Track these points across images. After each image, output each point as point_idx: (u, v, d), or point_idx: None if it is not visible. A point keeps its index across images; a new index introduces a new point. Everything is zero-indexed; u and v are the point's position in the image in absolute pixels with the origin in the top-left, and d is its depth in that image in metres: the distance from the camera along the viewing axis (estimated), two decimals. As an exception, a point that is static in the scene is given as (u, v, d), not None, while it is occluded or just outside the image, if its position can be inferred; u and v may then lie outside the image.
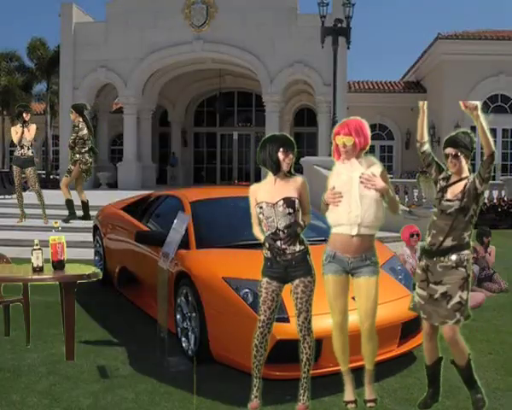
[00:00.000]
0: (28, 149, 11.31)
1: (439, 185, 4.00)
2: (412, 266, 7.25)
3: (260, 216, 4.01)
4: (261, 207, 3.99)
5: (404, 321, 4.80)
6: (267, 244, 3.99)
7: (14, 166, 11.50)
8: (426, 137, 4.06)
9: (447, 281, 3.87)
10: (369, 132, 4.03)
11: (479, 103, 3.74)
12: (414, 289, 4.11)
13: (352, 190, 3.92)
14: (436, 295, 3.89)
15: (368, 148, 4.03)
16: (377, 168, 3.99)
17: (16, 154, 11.39)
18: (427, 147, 4.05)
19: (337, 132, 3.99)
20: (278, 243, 3.96)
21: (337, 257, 4.00)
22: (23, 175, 11.71)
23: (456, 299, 3.85)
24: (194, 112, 30.41)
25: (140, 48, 22.65)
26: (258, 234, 4.08)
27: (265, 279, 4.01)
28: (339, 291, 4.03)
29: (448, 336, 3.93)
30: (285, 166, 4.00)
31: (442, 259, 3.88)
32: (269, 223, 3.97)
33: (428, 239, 3.96)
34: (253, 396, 4.02)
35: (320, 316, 4.37)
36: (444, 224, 3.88)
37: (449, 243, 3.87)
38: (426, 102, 4.07)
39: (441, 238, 3.87)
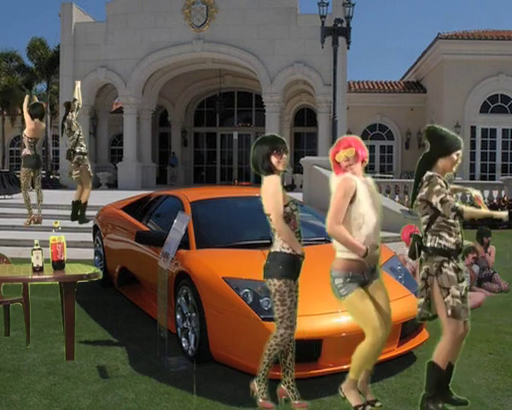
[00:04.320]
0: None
1: (447, 194, 3.93)
2: (412, 266, 7.25)
3: None
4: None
5: (404, 321, 4.80)
6: None
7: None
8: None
9: (465, 276, 4.03)
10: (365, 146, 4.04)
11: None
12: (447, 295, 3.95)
13: (375, 219, 3.90)
14: (463, 292, 3.95)
15: (367, 162, 4.01)
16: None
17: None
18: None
19: (335, 151, 3.94)
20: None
21: (354, 275, 3.91)
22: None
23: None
24: (194, 112, 30.41)
25: (140, 48, 22.68)
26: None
27: None
28: (368, 301, 3.91)
29: (467, 330, 3.98)
30: (281, 167, 3.96)
31: (461, 255, 3.99)
32: None
33: (453, 239, 3.92)
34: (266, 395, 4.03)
35: (320, 316, 4.38)
36: (458, 223, 3.94)
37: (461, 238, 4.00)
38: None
39: (461, 236, 3.97)
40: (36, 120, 11.24)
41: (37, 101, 11.83)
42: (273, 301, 3.95)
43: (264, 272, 4.03)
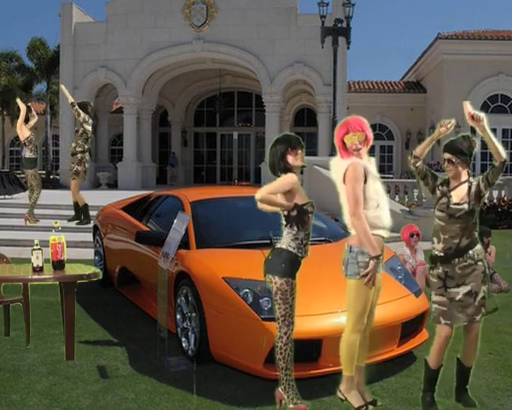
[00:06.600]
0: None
1: (439, 191, 4.01)
2: (412, 266, 7.25)
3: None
4: None
5: (404, 321, 4.81)
6: None
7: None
8: (424, 155, 4.11)
9: (470, 280, 3.90)
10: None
11: (484, 115, 3.80)
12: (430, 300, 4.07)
13: (384, 197, 3.94)
14: (458, 297, 3.89)
15: (371, 143, 4.01)
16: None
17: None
18: (420, 163, 4.10)
19: (344, 132, 3.90)
20: None
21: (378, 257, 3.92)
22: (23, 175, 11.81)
23: (481, 294, 3.92)
24: (194, 112, 30.41)
25: (140, 48, 22.68)
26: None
27: None
28: (371, 292, 3.93)
29: (475, 333, 3.97)
30: (299, 162, 3.90)
31: (460, 260, 3.90)
32: None
33: (441, 245, 3.94)
34: (296, 399, 3.94)
35: (320, 316, 4.38)
36: (455, 226, 3.91)
37: (464, 242, 3.90)
38: (453, 123, 3.97)
39: (457, 240, 3.90)
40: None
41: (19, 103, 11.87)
42: (274, 299, 3.86)
43: (265, 266, 3.92)
